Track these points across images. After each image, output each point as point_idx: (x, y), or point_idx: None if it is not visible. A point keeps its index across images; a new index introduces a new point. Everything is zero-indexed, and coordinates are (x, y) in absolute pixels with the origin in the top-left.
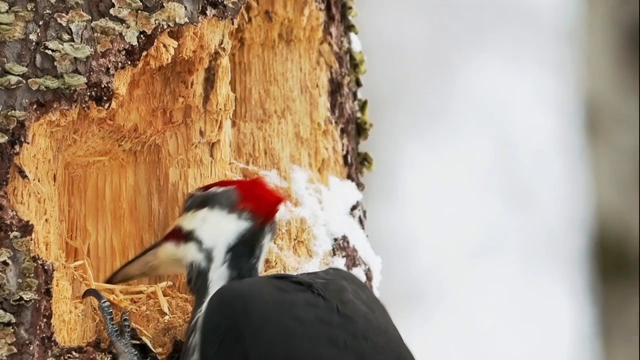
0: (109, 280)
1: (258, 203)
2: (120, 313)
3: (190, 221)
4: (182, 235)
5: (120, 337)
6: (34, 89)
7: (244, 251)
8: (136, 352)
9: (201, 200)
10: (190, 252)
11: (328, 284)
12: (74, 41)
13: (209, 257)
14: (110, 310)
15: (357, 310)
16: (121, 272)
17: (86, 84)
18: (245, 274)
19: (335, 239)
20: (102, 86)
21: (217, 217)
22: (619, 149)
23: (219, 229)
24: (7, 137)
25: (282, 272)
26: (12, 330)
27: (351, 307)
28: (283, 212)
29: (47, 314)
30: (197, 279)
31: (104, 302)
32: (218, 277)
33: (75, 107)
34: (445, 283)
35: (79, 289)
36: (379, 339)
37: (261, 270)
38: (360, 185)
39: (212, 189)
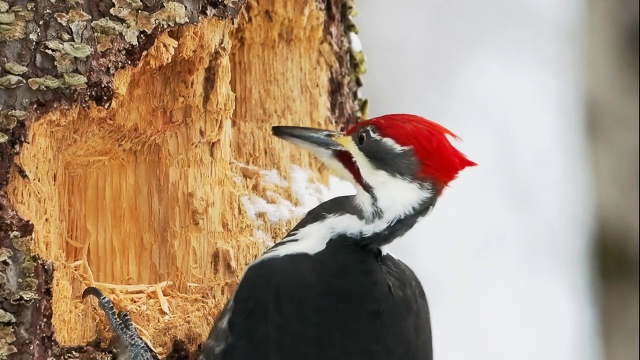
0: (277, 130)
1: (442, 170)
2: (119, 312)
3: (370, 175)
4: (361, 181)
5: (125, 329)
6: (34, 88)
7: (414, 218)
8: (144, 344)
9: (378, 153)
10: (364, 199)
11: (397, 300)
12: (74, 41)
13: (378, 214)
14: (111, 305)
15: (401, 338)
16: (291, 137)
17: (86, 83)
18: (390, 237)
19: None
20: (102, 86)
21: (397, 185)
22: (619, 149)
23: (397, 196)
24: (7, 137)
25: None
26: (12, 329)
27: (395, 332)
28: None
29: (47, 313)
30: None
31: (104, 298)
32: (368, 228)
33: (76, 106)
34: (445, 282)
35: (79, 288)
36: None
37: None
38: None
39: (389, 143)
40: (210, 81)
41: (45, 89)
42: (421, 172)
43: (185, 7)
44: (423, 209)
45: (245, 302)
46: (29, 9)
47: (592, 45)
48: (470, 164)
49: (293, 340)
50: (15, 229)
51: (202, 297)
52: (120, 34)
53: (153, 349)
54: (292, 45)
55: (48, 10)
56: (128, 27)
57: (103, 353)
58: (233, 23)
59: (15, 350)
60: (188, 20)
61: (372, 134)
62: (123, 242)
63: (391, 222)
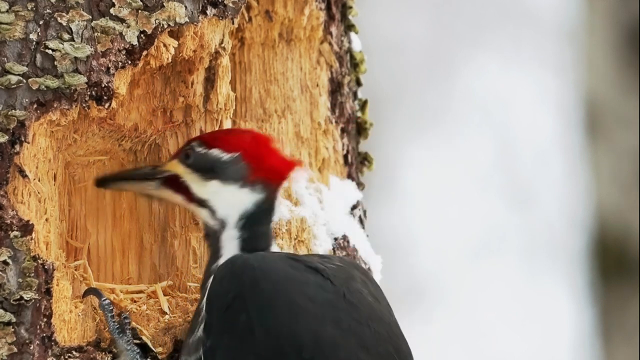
0: (101, 182)
1: (269, 172)
2: (119, 312)
3: (200, 189)
4: (193, 198)
5: (121, 334)
6: (34, 88)
7: (257, 216)
8: (138, 350)
9: (207, 164)
10: (203, 215)
11: (338, 270)
12: (74, 41)
13: (222, 223)
14: (111, 308)
15: (363, 299)
16: (115, 183)
17: (86, 83)
18: (258, 235)
19: (336, 239)
20: (103, 86)
21: (230, 191)
22: (619, 149)
23: (232, 201)
24: (7, 137)
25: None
26: (13, 329)
27: (357, 296)
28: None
29: (47, 313)
30: (211, 237)
31: (104, 299)
32: (231, 238)
33: (76, 106)
34: (445, 282)
35: (79, 288)
36: (381, 329)
37: (272, 230)
38: (360, 185)
39: (216, 153)
40: (210, 81)
41: (45, 88)
42: (251, 175)
43: (186, 7)
44: (261, 209)
45: (221, 299)
46: (29, 8)
47: (592, 45)
48: (295, 165)
49: (280, 325)
50: (16, 228)
51: None
52: (120, 33)
53: (153, 349)
54: (292, 45)
55: (48, 10)
56: (128, 27)
57: (103, 353)
58: (233, 23)
59: (15, 350)
60: (188, 20)
61: (197, 149)
62: (123, 242)
63: (238, 226)
